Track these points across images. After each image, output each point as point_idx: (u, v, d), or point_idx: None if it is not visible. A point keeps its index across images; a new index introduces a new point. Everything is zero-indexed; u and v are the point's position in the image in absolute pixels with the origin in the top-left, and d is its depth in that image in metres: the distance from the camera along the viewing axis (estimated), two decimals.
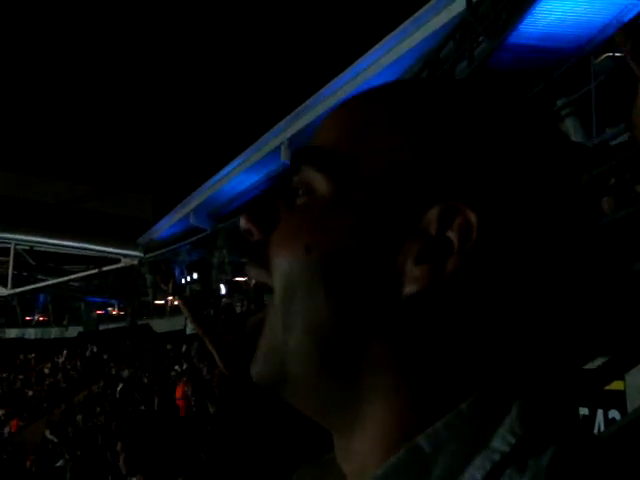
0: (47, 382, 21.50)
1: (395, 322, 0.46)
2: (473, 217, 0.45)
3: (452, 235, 0.45)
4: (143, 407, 12.25)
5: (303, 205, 0.50)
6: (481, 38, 10.48)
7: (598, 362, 2.82)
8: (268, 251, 0.51)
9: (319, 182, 0.50)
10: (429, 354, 0.46)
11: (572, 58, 8.14)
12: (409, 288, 0.45)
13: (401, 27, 13.22)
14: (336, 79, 15.29)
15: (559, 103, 8.47)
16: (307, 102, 16.76)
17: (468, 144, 0.47)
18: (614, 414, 3.52)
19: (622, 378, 3.07)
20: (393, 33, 13.44)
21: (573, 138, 8.09)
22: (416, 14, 12.72)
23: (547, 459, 0.40)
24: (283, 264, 0.49)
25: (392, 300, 0.46)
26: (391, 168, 0.48)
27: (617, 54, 7.76)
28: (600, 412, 3.62)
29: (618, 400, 3.43)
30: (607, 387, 3.02)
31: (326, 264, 0.48)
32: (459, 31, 11.05)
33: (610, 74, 6.85)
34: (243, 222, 0.53)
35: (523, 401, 0.44)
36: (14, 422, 17.75)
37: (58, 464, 11.87)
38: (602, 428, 3.60)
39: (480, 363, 0.46)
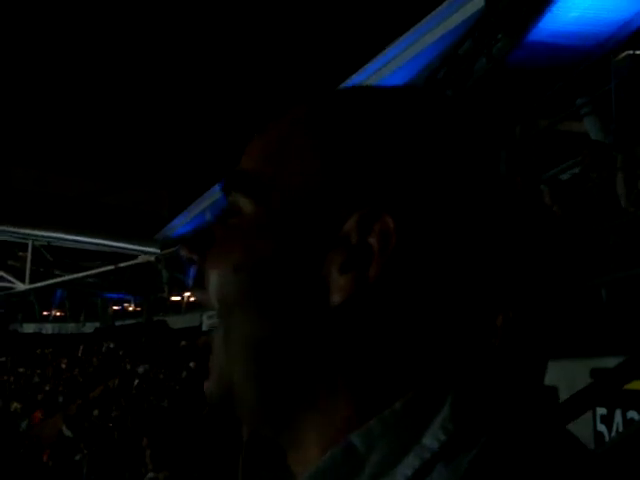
0: (64, 377, 21.65)
1: (328, 331, 0.47)
2: (390, 222, 0.45)
3: (372, 241, 0.46)
4: (165, 403, 12.30)
5: (232, 226, 0.52)
6: (500, 35, 10.43)
7: (616, 361, 2.80)
8: (204, 273, 0.52)
9: (243, 204, 0.51)
10: (363, 358, 0.47)
11: (592, 56, 8.09)
12: (335, 297, 0.46)
13: (420, 24, 13.19)
14: (353, 76, 15.29)
15: (578, 101, 8.41)
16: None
17: (381, 153, 0.48)
18: (633, 414, 3.50)
19: None
20: (411, 30, 13.41)
21: (593, 137, 8.03)
22: (435, 11, 12.68)
23: (470, 457, 0.41)
24: (216, 285, 0.51)
25: (322, 311, 0.47)
26: (307, 184, 0.49)
27: (638, 52, 7.70)
28: (619, 412, 3.60)
29: (638, 400, 3.41)
30: (626, 387, 3.00)
31: (254, 282, 0.49)
32: (478, 28, 11.00)
33: (630, 72, 6.79)
34: (183, 251, 0.55)
35: (455, 398, 0.44)
36: (37, 414, 17.88)
37: (74, 458, 11.95)
38: (621, 429, 3.57)
39: (413, 363, 0.46)
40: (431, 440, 0.43)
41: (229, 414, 0.52)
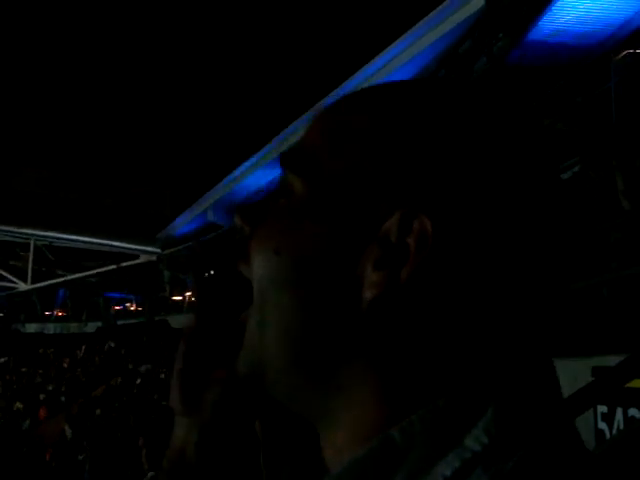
0: (66, 377, 21.63)
1: (358, 324, 0.47)
2: (429, 223, 0.46)
3: (410, 241, 0.46)
4: (164, 402, 12.29)
5: (281, 207, 0.52)
6: (500, 35, 10.42)
7: (618, 360, 2.80)
8: (250, 249, 0.53)
9: (297, 184, 0.51)
10: (392, 355, 0.47)
11: (592, 55, 8.08)
12: (367, 293, 0.47)
13: (420, 23, 13.16)
14: (353, 76, 15.27)
15: (579, 100, 8.41)
16: (325, 99, 16.74)
17: (428, 151, 0.48)
18: (634, 412, 3.50)
19: None
20: (412, 30, 13.38)
21: None
22: (435, 10, 12.66)
23: (511, 464, 0.41)
24: (257, 264, 0.52)
25: (354, 304, 0.47)
26: (357, 175, 0.49)
27: (638, 51, 7.70)
28: (619, 410, 3.61)
29: (639, 398, 3.41)
30: (627, 385, 3.00)
31: (293, 267, 0.49)
32: (478, 28, 10.99)
33: (630, 71, 6.79)
34: (236, 218, 0.55)
35: (499, 402, 0.44)
36: (41, 411, 17.85)
37: (77, 458, 11.94)
38: (621, 426, 3.58)
39: (449, 364, 0.46)
40: (473, 442, 0.43)
41: (249, 397, 0.53)
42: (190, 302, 25.51)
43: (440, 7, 12.54)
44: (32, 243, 30.12)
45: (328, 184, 0.50)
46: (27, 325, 33.62)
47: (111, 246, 28.66)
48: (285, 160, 0.53)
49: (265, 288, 0.51)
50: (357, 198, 0.48)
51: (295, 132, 18.34)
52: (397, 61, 13.89)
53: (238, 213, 0.55)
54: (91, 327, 30.76)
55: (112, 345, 24.73)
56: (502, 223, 0.47)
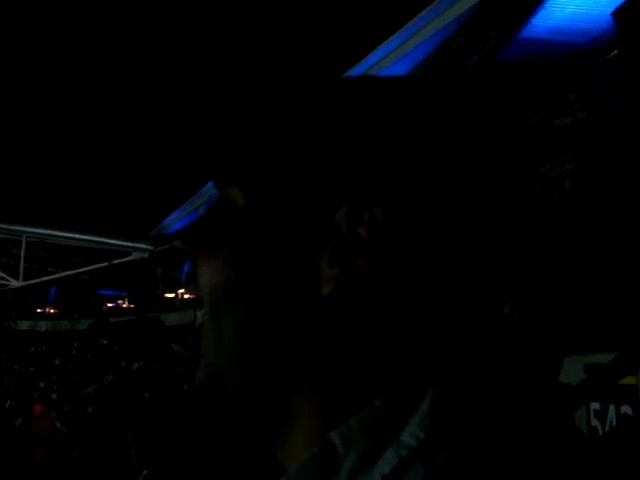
0: (58, 374, 21.61)
1: (316, 323, 0.47)
2: (379, 212, 0.45)
3: (362, 232, 0.46)
4: (153, 399, 12.29)
5: (224, 220, 0.51)
6: (493, 32, 10.44)
7: (610, 356, 2.81)
8: (197, 267, 0.52)
9: (235, 196, 0.51)
10: (348, 351, 0.46)
11: (584, 52, 8.10)
12: (325, 289, 0.46)
13: (412, 21, 13.17)
14: (347, 73, 15.27)
15: (571, 97, 8.43)
16: None
17: (373, 143, 0.47)
18: (626, 409, 3.52)
19: (635, 373, 3.07)
20: (404, 28, 13.39)
21: None
22: (427, 8, 12.67)
23: (441, 458, 0.41)
24: (206, 279, 0.51)
25: (312, 303, 0.47)
26: (298, 175, 0.48)
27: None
28: (612, 407, 3.62)
29: (631, 395, 3.43)
30: (620, 382, 3.01)
31: (244, 276, 0.49)
32: (471, 25, 11.01)
33: (622, 68, 6.82)
34: (177, 244, 0.54)
35: (435, 394, 0.43)
36: (37, 407, 17.85)
37: (69, 455, 11.94)
38: (614, 423, 3.60)
39: (395, 358, 0.46)
40: (409, 438, 0.42)
41: (216, 405, 0.52)
42: (182, 299, 25.51)
43: (433, 4, 12.55)
44: (24, 240, 30.06)
45: (271, 191, 0.49)
46: (19, 322, 33.59)
47: (103, 243, 28.63)
48: (222, 176, 0.52)
49: (218, 301, 0.50)
50: (304, 198, 0.48)
51: None
52: (389, 59, 13.90)
53: (178, 238, 0.54)
54: (83, 324, 30.75)
55: (104, 343, 24.71)
56: (449, 214, 0.46)
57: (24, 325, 33.23)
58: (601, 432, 3.66)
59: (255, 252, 0.49)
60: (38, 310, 34.49)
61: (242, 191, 0.50)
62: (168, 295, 28.36)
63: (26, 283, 31.26)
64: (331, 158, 0.48)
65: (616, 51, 7.92)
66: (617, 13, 7.42)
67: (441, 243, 0.46)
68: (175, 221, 26.26)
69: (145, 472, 5.93)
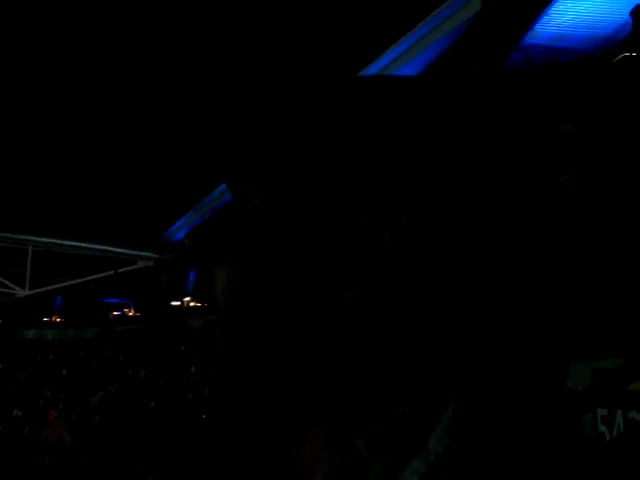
0: (64, 383, 21.59)
1: (339, 328, 0.47)
2: (403, 217, 0.46)
3: (386, 236, 0.46)
4: (158, 409, 12.27)
5: (240, 220, 0.51)
6: (496, 39, 10.44)
7: (617, 362, 2.80)
8: (212, 269, 0.52)
9: (252, 196, 0.50)
10: (370, 357, 0.46)
11: (588, 59, 8.09)
12: (347, 293, 0.46)
13: (415, 28, 13.18)
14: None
15: (575, 103, 8.42)
16: None
17: (394, 148, 0.47)
18: (634, 415, 3.50)
19: None
20: (407, 35, 13.40)
21: None
22: (430, 15, 12.68)
23: (468, 464, 0.41)
24: (223, 281, 0.51)
25: (334, 307, 0.47)
26: (321, 178, 0.48)
27: (635, 54, 7.72)
28: (619, 413, 3.61)
29: (638, 401, 3.41)
30: (628, 387, 3.01)
31: (265, 278, 0.48)
32: (474, 32, 11.02)
33: (627, 74, 6.81)
34: (186, 241, 0.54)
35: (458, 402, 0.44)
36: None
37: (76, 464, 11.92)
38: (622, 429, 3.58)
39: (415, 364, 0.46)
40: (436, 444, 0.42)
41: (228, 407, 0.52)
42: (188, 307, 25.50)
43: (435, 12, 12.56)
44: (30, 249, 30.08)
45: (291, 192, 0.49)
46: (25, 331, 33.58)
47: (109, 252, 28.64)
48: (238, 176, 0.52)
49: (233, 304, 0.50)
50: (328, 201, 0.48)
51: None
52: (393, 66, 13.90)
53: (188, 236, 0.54)
54: (89, 333, 30.72)
55: (110, 351, 24.69)
56: (463, 220, 0.46)
57: (30, 334, 33.23)
58: (609, 438, 3.64)
59: (276, 255, 0.48)
60: (44, 319, 34.49)
61: (258, 191, 0.50)
62: (174, 303, 28.34)
63: (32, 292, 31.27)
64: (354, 162, 0.48)
65: (620, 56, 7.91)
66: (636, 11, 7.42)
67: (455, 248, 0.46)
68: (180, 229, 26.26)
69: None
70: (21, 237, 29.50)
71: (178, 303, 27.90)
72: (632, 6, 9.24)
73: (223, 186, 23.03)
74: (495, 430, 0.42)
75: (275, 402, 0.49)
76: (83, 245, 28.73)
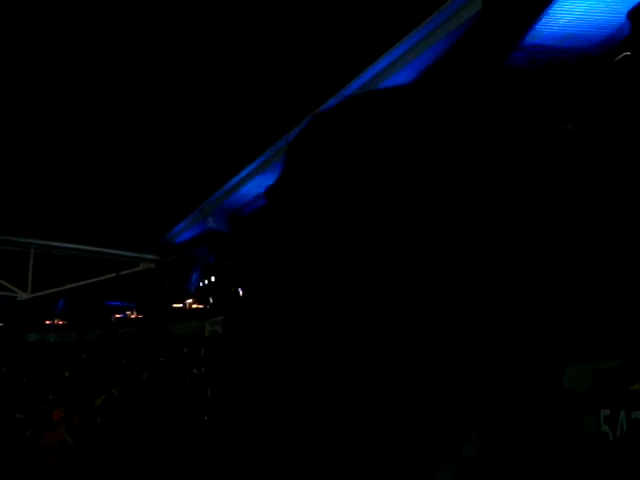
0: (67, 386, 21.61)
1: (387, 324, 0.47)
2: (452, 211, 0.46)
3: (436, 231, 0.47)
4: (161, 411, 12.28)
5: (295, 215, 0.51)
6: (496, 39, 10.45)
7: (619, 363, 2.80)
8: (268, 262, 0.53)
9: (312, 195, 0.51)
10: (410, 357, 0.46)
11: (590, 58, 8.09)
12: (399, 290, 0.46)
13: (417, 29, 13.19)
14: (354, 80, 15.27)
15: (576, 103, 8.42)
16: (325, 103, 16.74)
17: (442, 148, 0.48)
18: (637, 415, 3.50)
19: None
20: (409, 35, 13.41)
21: None
22: (431, 17, 12.69)
23: (499, 468, 0.41)
24: (277, 277, 0.51)
25: (387, 303, 0.47)
26: (375, 181, 0.49)
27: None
28: (623, 413, 3.60)
29: None
30: (630, 387, 3.00)
31: (318, 278, 0.48)
32: (474, 33, 11.03)
33: (628, 74, 6.81)
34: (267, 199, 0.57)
35: (490, 408, 0.44)
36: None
37: (78, 467, 11.93)
38: (625, 429, 3.58)
39: (452, 370, 0.46)
40: (469, 449, 0.43)
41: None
42: (190, 309, 25.51)
43: (436, 13, 12.57)
44: (32, 252, 30.13)
45: (349, 192, 0.49)
46: (27, 334, 33.62)
47: (110, 254, 28.68)
48: (288, 187, 0.54)
49: (288, 303, 0.50)
50: (383, 200, 0.48)
51: None
52: (393, 68, 13.91)
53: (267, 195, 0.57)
54: (91, 336, 30.76)
55: (113, 353, 24.72)
56: (493, 220, 0.47)
57: (32, 337, 33.27)
58: (612, 438, 3.64)
59: (329, 255, 0.48)
60: (47, 322, 34.53)
61: (319, 191, 0.51)
62: (176, 305, 28.37)
63: (34, 295, 31.31)
64: (406, 161, 0.48)
65: (621, 55, 7.91)
66: (633, 13, 7.43)
67: (490, 250, 0.47)
68: (182, 232, 26.28)
69: None
70: (23, 240, 29.55)
71: (180, 305, 27.94)
72: (632, 6, 9.25)
73: (224, 187, 23.07)
74: (524, 435, 0.43)
75: (334, 396, 0.49)
76: (85, 248, 28.79)
